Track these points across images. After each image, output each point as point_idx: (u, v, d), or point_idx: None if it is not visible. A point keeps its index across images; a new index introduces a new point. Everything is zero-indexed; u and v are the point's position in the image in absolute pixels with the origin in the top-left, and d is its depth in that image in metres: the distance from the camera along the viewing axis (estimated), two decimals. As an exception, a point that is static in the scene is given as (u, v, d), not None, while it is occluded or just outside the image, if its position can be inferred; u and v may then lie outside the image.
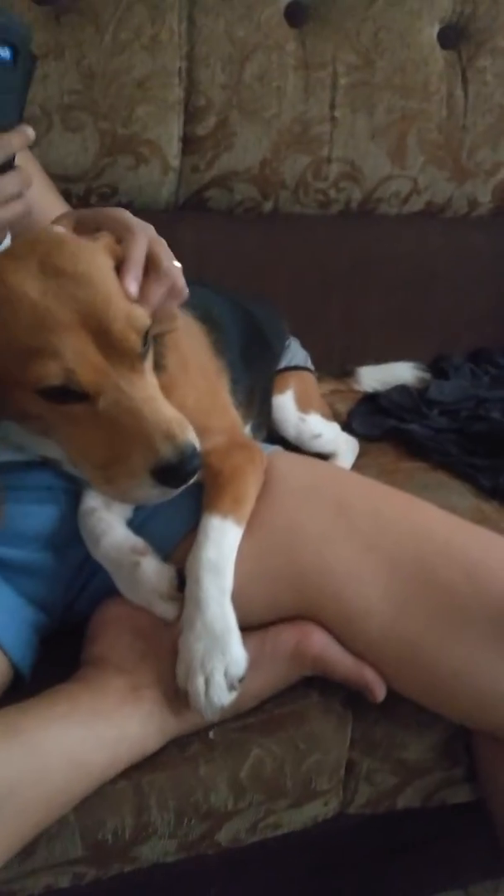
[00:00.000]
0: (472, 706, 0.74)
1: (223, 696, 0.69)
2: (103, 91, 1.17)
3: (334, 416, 1.24)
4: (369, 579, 0.74)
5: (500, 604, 0.72)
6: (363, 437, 1.23)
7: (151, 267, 0.69)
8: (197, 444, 0.64)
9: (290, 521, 0.78)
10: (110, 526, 0.78)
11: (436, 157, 1.34)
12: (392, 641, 0.74)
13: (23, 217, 0.70)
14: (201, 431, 0.79)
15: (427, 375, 1.38)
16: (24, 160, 0.83)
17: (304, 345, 1.25)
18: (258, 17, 1.20)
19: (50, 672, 0.74)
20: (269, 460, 0.83)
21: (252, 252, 1.35)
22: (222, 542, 0.74)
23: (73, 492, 0.79)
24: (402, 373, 1.38)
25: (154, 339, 0.78)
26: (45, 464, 0.77)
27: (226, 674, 0.70)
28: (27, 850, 0.66)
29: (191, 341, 0.85)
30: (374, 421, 1.27)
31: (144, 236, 0.71)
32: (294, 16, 1.23)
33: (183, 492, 0.77)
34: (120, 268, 0.66)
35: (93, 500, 0.78)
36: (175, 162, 1.25)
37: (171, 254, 0.73)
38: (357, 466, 1.17)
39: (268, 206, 1.33)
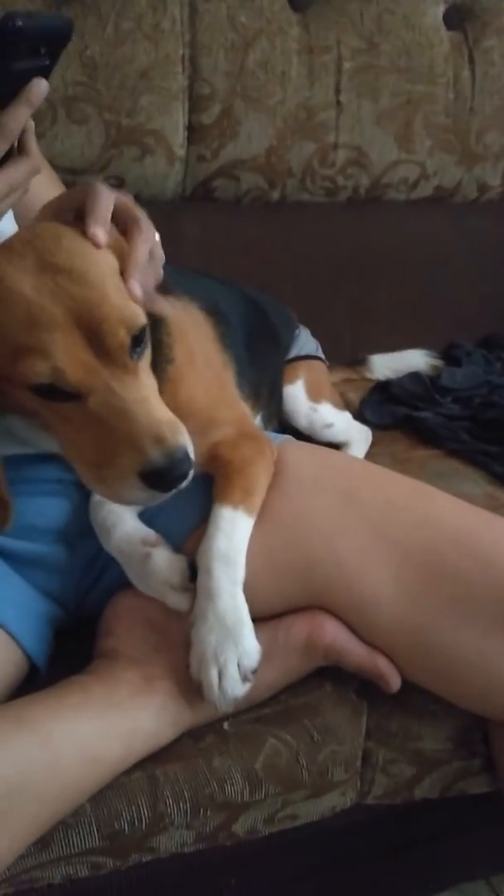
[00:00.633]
0: (485, 695, 0.73)
1: (237, 688, 0.69)
2: (107, 82, 1.16)
3: (346, 405, 1.23)
4: (379, 569, 0.74)
5: None
6: (375, 426, 1.22)
7: (131, 222, 0.68)
8: (189, 447, 0.63)
9: (299, 513, 0.77)
10: (121, 518, 0.78)
11: (443, 141, 1.32)
12: (404, 630, 0.73)
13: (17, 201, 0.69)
14: (210, 423, 0.79)
15: (439, 363, 1.37)
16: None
17: (314, 334, 1.24)
18: (260, 2, 1.19)
19: (65, 665, 0.74)
20: (279, 451, 0.82)
21: (260, 241, 1.34)
22: (233, 532, 0.73)
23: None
24: (415, 360, 1.37)
25: (160, 331, 0.77)
26: (54, 457, 0.77)
27: (239, 665, 0.69)
28: (44, 841, 0.66)
29: (198, 334, 0.84)
30: (387, 409, 1.26)
31: (151, 231, 0.70)
32: (297, 0, 1.21)
33: (194, 484, 0.77)
34: (123, 265, 0.65)
35: None
36: (181, 152, 1.24)
37: (148, 221, 0.71)
38: (370, 455, 1.16)
39: (275, 194, 1.32)
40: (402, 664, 0.75)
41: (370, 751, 0.78)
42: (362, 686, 0.77)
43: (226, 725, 0.73)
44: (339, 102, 1.26)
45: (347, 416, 1.17)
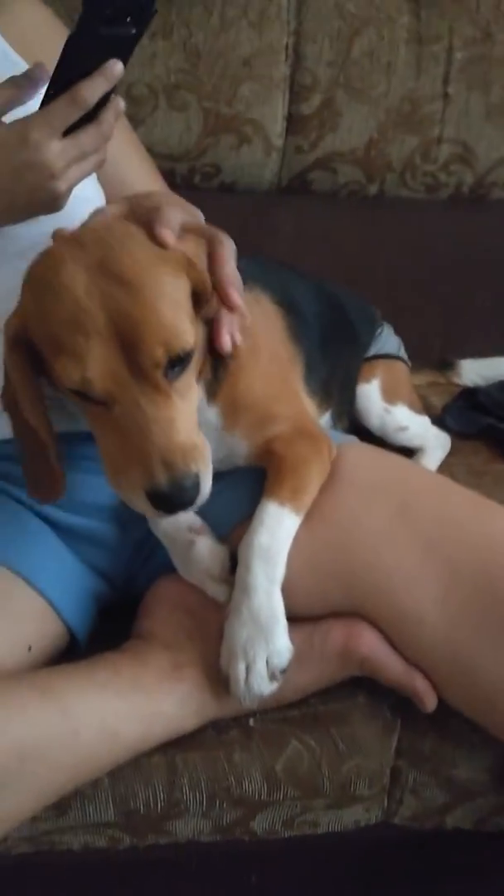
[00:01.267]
0: None
1: (263, 685, 0.68)
2: (209, 70, 1.17)
3: (428, 409, 1.18)
4: (426, 583, 0.70)
5: None
6: (456, 434, 1.17)
7: (218, 249, 0.68)
8: (204, 475, 0.62)
9: (349, 517, 0.75)
10: (171, 504, 0.78)
11: None
12: (446, 651, 0.70)
13: (93, 172, 0.70)
14: (266, 418, 0.78)
15: (535, 373, 1.29)
16: (121, 127, 0.85)
17: (403, 334, 1.20)
18: (371, -10, 1.16)
19: (109, 643, 0.75)
20: (339, 451, 0.80)
21: (354, 236, 1.31)
22: (277, 529, 0.72)
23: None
24: (507, 368, 1.30)
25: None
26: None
27: (268, 663, 0.68)
28: (61, 807, 0.68)
29: (265, 326, 0.83)
30: (471, 417, 1.20)
31: (231, 244, 0.69)
32: (410, -13, 1.17)
33: (247, 476, 0.77)
34: (213, 282, 0.66)
35: None
36: (278, 142, 1.23)
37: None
38: (446, 464, 1.11)
39: (373, 189, 1.29)
40: (441, 686, 0.72)
41: (400, 769, 0.75)
42: (398, 702, 0.74)
43: (251, 722, 0.73)
44: (446, 94, 1.21)
45: (425, 420, 1.13)
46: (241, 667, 0.68)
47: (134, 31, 0.66)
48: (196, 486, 0.62)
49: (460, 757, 0.74)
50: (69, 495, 0.80)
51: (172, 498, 0.61)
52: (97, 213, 0.70)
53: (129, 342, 0.60)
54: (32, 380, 0.66)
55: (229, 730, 0.72)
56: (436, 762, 0.74)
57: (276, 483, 0.74)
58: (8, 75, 0.68)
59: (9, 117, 0.69)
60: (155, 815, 0.70)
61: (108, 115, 0.69)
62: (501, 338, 1.32)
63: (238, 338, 0.70)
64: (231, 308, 0.68)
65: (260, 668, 0.68)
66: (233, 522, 0.77)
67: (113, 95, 0.69)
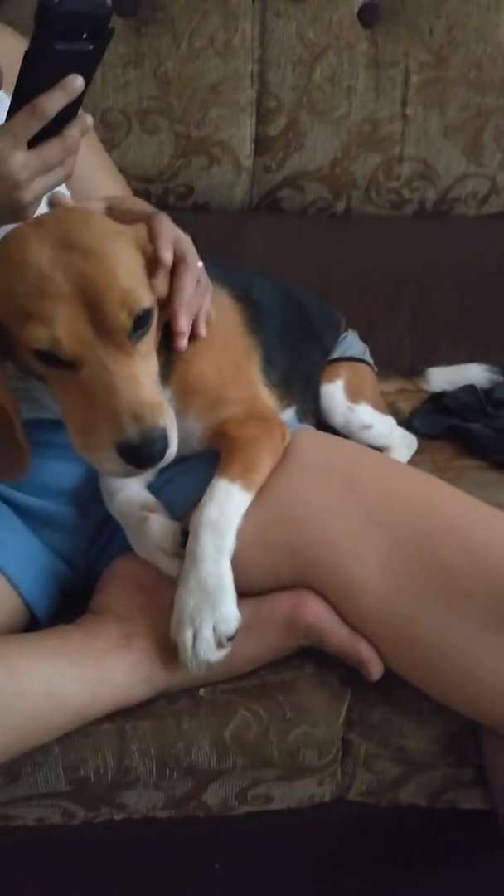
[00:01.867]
0: (473, 697, 0.70)
1: (210, 652, 0.70)
2: (178, 95, 1.24)
3: (396, 413, 1.21)
4: (368, 552, 0.73)
5: (502, 588, 0.68)
6: (424, 436, 1.20)
7: (179, 259, 0.74)
8: (170, 430, 0.66)
9: (296, 494, 0.78)
10: (125, 483, 0.81)
11: (515, 154, 1.30)
12: (388, 617, 0.72)
13: (59, 185, 0.75)
14: (219, 401, 0.81)
15: (500, 378, 1.32)
16: (89, 140, 0.90)
17: (373, 344, 1.24)
18: (329, 18, 1.23)
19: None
20: (292, 436, 0.83)
21: (324, 252, 1.36)
22: (226, 503, 0.75)
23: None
24: (474, 374, 1.33)
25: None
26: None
27: (215, 630, 0.70)
28: (12, 774, 0.69)
29: (221, 317, 0.87)
30: (436, 419, 1.24)
31: (196, 261, 0.76)
32: (367, 16, 1.25)
33: (202, 460, 0.80)
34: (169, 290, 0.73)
35: None
36: (248, 162, 1.29)
37: (195, 253, 0.78)
38: (413, 462, 1.14)
39: (340, 206, 1.34)
40: (386, 654, 0.73)
41: (351, 741, 0.76)
42: (347, 673, 0.75)
43: (201, 692, 0.74)
44: (405, 115, 1.28)
45: (390, 420, 1.16)
46: (189, 633, 0.70)
47: (91, 47, 0.70)
48: (164, 439, 0.65)
49: (409, 727, 0.75)
50: (31, 479, 0.83)
51: (142, 450, 0.64)
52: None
53: (94, 306, 0.64)
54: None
55: (180, 699, 0.73)
56: (385, 732, 0.75)
57: (227, 461, 0.77)
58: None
59: None
60: (106, 784, 0.71)
61: (73, 131, 0.73)
62: (468, 345, 1.36)
63: (201, 329, 0.75)
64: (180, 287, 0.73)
65: (206, 634, 0.70)
66: (187, 504, 0.80)
67: (80, 112, 0.74)
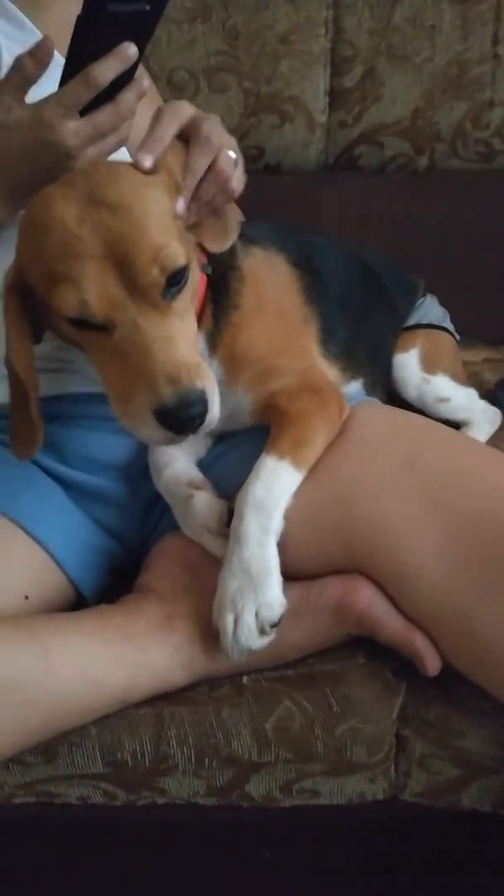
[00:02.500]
0: None
1: (251, 638, 0.66)
2: (247, 50, 1.17)
3: (480, 385, 1.12)
4: (426, 534, 0.66)
5: None
6: (509, 409, 1.11)
7: (194, 139, 0.68)
8: (211, 392, 0.62)
9: (354, 471, 0.72)
10: (174, 458, 0.78)
11: None
12: (444, 608, 0.65)
13: (114, 152, 0.72)
14: (270, 371, 0.76)
15: None
16: (150, 99, 0.86)
17: (457, 311, 1.15)
18: (411, -47, 1.13)
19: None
20: (352, 411, 0.78)
21: (405, 212, 1.27)
22: (273, 482, 0.70)
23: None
24: None
25: (231, 276, 0.76)
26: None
27: (257, 615, 0.66)
28: (49, 754, 0.68)
29: (275, 283, 0.82)
30: (525, 391, 1.13)
31: (214, 144, 0.69)
32: None
33: (255, 435, 0.76)
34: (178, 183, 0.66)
35: None
36: (321, 118, 1.22)
37: (232, 142, 0.71)
38: (495, 439, 1.05)
39: (422, 161, 1.25)
40: (443, 647, 0.67)
41: (406, 739, 0.71)
42: (403, 666, 0.70)
43: (244, 679, 0.70)
44: (496, 55, 1.16)
45: (472, 393, 1.07)
46: (230, 618, 0.66)
47: (148, 7, 0.67)
48: (203, 402, 0.61)
49: (470, 727, 0.69)
50: (80, 453, 0.82)
51: (179, 412, 0.60)
52: None
53: (124, 263, 0.61)
54: (25, 327, 0.67)
55: (221, 687, 0.70)
56: (443, 732, 0.69)
57: (277, 436, 0.72)
58: (58, 76, 0.70)
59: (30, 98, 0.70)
60: (143, 769, 0.69)
61: (128, 95, 0.70)
62: None
63: None
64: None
65: (248, 620, 0.66)
66: (237, 481, 0.75)
67: (137, 76, 0.71)
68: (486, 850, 0.77)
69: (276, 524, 0.68)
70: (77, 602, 0.79)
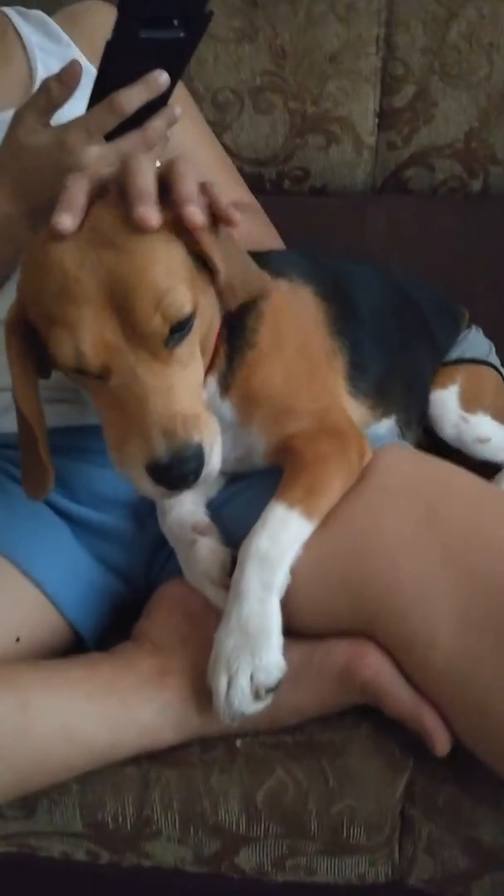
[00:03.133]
0: None
1: (244, 703, 0.61)
2: (294, 69, 1.14)
3: (529, 424, 1.05)
4: (441, 600, 0.61)
5: None
6: None
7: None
8: (210, 447, 0.58)
9: (368, 522, 0.67)
10: (180, 500, 0.74)
11: None
12: (459, 682, 0.59)
13: None
14: (285, 413, 0.72)
15: None
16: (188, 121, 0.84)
17: (506, 344, 1.08)
18: (470, -32, 1.07)
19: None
20: (378, 453, 0.72)
21: (456, 238, 1.21)
22: (280, 532, 0.65)
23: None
24: None
25: (248, 315, 0.72)
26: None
27: (252, 678, 0.61)
28: (28, 808, 0.65)
29: (297, 316, 0.77)
30: None
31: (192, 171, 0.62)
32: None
33: (269, 477, 0.71)
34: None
35: None
36: (370, 139, 1.17)
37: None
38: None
39: (476, 184, 1.19)
40: (456, 724, 0.61)
41: (412, 820, 0.64)
42: (411, 740, 0.64)
43: (238, 742, 0.66)
44: None
45: (515, 433, 1.00)
46: (223, 680, 0.62)
47: (183, 34, 0.63)
48: (198, 457, 0.58)
49: (484, 815, 0.62)
50: (86, 488, 0.79)
51: (172, 469, 0.57)
52: None
53: (123, 309, 0.57)
54: (27, 365, 0.64)
55: (214, 749, 0.65)
56: (454, 818, 0.63)
57: (289, 482, 0.68)
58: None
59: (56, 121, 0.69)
60: (126, 832, 0.65)
61: (157, 122, 0.68)
62: None
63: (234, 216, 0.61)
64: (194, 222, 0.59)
65: (242, 683, 0.61)
66: (246, 526, 0.71)
67: (169, 103, 0.68)
68: None
69: (281, 579, 0.64)
70: (75, 643, 0.75)
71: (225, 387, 0.70)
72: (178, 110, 0.70)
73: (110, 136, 0.67)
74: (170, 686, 0.65)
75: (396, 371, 0.89)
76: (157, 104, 0.67)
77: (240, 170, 1.10)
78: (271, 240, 1.01)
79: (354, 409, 0.81)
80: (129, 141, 0.68)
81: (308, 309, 0.79)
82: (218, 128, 1.15)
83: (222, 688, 0.61)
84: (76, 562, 0.76)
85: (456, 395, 0.96)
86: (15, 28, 0.96)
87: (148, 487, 0.58)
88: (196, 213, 0.58)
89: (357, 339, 0.82)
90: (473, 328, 1.05)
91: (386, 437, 0.84)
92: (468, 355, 1.01)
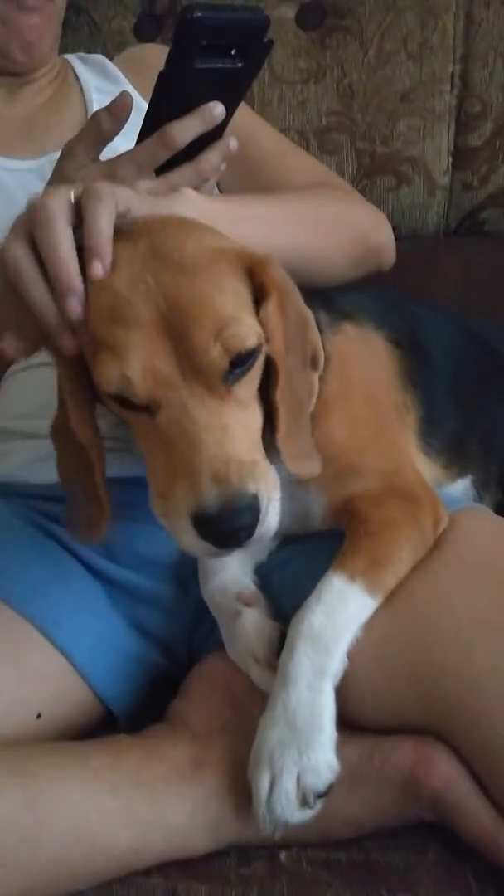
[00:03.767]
0: None
1: (288, 810, 0.52)
2: (363, 109, 1.09)
3: None
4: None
5: None
6: None
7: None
8: (263, 498, 0.51)
9: (441, 602, 0.58)
10: (225, 565, 0.67)
11: None
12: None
13: None
14: (350, 471, 0.64)
15: None
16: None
17: None
18: (551, -2, 1.01)
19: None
20: (453, 520, 0.63)
21: (537, 282, 1.12)
22: (338, 609, 0.57)
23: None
24: None
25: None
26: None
27: (299, 780, 0.52)
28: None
29: (366, 366, 0.70)
30: None
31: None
32: None
33: (329, 541, 0.63)
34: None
35: None
36: (444, 179, 1.11)
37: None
38: None
39: None
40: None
41: None
42: (495, 873, 0.53)
43: (282, 856, 0.56)
44: None
45: None
46: (265, 780, 0.53)
47: (241, 64, 0.61)
48: (253, 511, 0.51)
49: None
50: (125, 548, 0.72)
51: (222, 523, 0.50)
52: None
53: (180, 336, 0.51)
54: (83, 389, 0.58)
55: (254, 861, 0.56)
56: None
57: (351, 551, 0.60)
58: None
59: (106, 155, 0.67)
60: None
61: (211, 156, 0.66)
62: None
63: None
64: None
65: (287, 785, 0.52)
66: (299, 599, 0.62)
67: (225, 134, 0.66)
68: None
69: (336, 665, 0.55)
70: (105, 720, 0.68)
71: None
72: (233, 143, 0.67)
73: (162, 169, 0.64)
74: (205, 781, 0.57)
75: (473, 427, 0.80)
76: (211, 136, 0.64)
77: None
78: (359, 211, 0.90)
79: (426, 468, 0.73)
80: (181, 175, 0.65)
81: (378, 357, 0.72)
82: (283, 170, 1.10)
83: (264, 790, 0.53)
84: (110, 628, 0.69)
85: (540, 453, 0.87)
86: (75, 73, 0.96)
87: (192, 542, 0.51)
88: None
89: (431, 392, 0.74)
90: None
91: (461, 499, 0.75)
92: (553, 409, 0.91)
